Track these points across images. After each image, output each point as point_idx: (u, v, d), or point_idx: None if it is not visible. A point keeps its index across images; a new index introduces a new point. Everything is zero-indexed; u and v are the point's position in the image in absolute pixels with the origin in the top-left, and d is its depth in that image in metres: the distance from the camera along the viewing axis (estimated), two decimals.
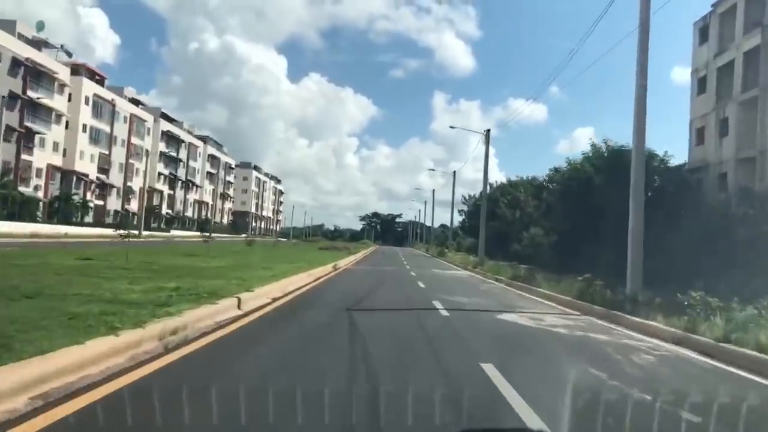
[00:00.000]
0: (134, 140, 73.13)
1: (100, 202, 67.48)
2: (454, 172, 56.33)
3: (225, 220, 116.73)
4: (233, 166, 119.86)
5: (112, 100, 67.25)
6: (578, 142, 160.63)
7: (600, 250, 31.03)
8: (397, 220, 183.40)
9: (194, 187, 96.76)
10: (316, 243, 73.26)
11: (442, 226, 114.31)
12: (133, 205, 75.44)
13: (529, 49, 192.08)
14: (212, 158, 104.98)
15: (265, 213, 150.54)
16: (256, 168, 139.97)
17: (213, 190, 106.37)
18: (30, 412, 3.80)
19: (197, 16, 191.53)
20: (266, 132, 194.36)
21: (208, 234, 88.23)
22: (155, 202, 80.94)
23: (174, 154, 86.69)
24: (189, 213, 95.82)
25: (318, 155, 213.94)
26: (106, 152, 67.32)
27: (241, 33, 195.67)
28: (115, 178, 70.16)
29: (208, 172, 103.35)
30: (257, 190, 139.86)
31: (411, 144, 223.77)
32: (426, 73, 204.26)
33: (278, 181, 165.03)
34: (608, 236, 30.63)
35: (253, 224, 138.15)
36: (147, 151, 78.00)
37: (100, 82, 66.14)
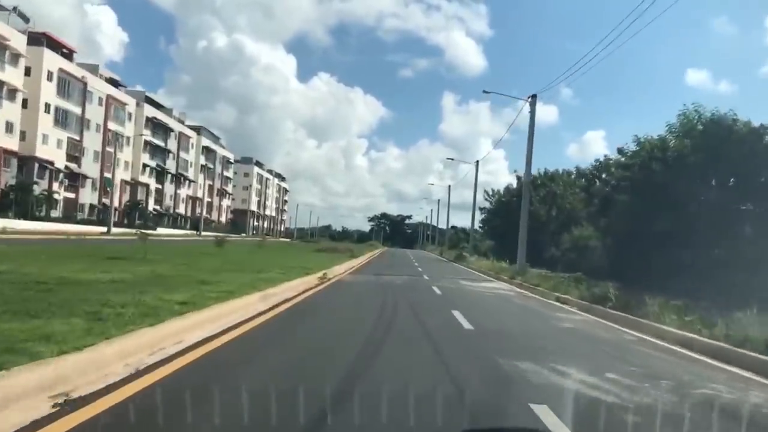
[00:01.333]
0: (112, 126, 64.81)
1: (71, 195, 59.17)
2: (477, 162, 47.46)
3: (224, 219, 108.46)
4: (232, 160, 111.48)
5: (83, 77, 58.93)
6: (588, 146, 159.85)
7: (695, 258, 22.23)
8: (407, 221, 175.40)
9: (186, 182, 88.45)
10: (316, 244, 64.60)
11: (454, 228, 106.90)
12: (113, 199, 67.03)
13: (541, 49, 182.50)
14: (207, 151, 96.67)
15: (268, 212, 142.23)
16: (258, 164, 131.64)
17: (209, 185, 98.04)
18: None
19: (204, 14, 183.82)
20: (275, 132, 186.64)
21: (197, 232, 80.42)
22: (140, 196, 72.67)
23: (161, 143, 78.39)
24: (181, 209, 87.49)
25: (327, 156, 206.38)
26: (77, 138, 59.03)
27: (248, 31, 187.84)
28: (90, 167, 61.85)
29: (202, 166, 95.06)
30: (260, 187, 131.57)
31: (421, 145, 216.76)
32: (436, 73, 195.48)
33: (283, 179, 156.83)
34: (707, 239, 21.67)
35: (255, 223, 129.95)
36: (129, 139, 69.84)
37: (68, 56, 57.83)
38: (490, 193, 53.04)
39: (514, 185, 50.62)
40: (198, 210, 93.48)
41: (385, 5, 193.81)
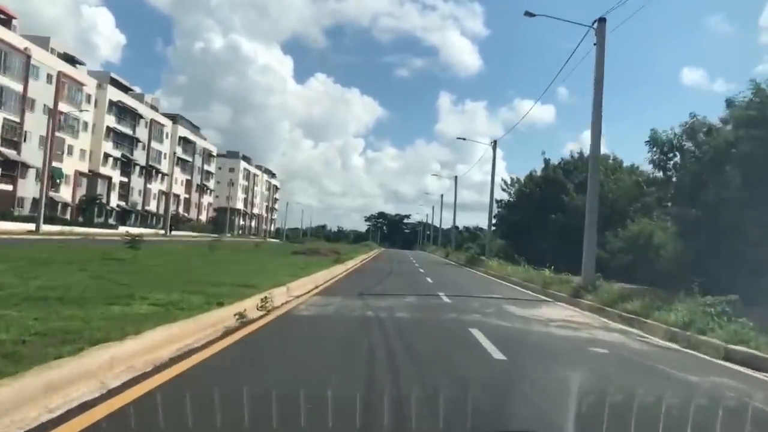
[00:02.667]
0: (65, 107, 55.51)
1: (7, 187, 49.89)
2: (494, 141, 38.37)
3: (204, 216, 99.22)
4: (214, 153, 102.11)
5: (26, 49, 49.75)
6: (586, 145, 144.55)
7: None
8: (405, 221, 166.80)
9: (159, 175, 79.14)
10: (300, 245, 55.46)
11: (456, 228, 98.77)
12: (64, 193, 57.90)
13: (536, 48, 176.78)
14: (185, 142, 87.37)
15: (256, 210, 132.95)
16: (245, 158, 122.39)
17: (186, 180, 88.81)
18: None
19: (200, 14, 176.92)
20: (271, 132, 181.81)
21: (164, 232, 71.30)
22: (100, 190, 63.38)
23: (128, 131, 69.15)
24: (152, 206, 78.21)
25: (323, 156, 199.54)
26: (16, 119, 49.81)
27: (243, 31, 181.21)
28: (33, 155, 52.56)
29: (179, 159, 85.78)
30: (246, 183, 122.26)
31: (417, 145, 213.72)
32: (431, 73, 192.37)
33: (273, 175, 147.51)
34: None
35: (241, 222, 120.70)
36: (87, 124, 60.62)
37: (6, 23, 48.65)
38: (510, 182, 43.95)
39: (538, 172, 41.69)
40: (176, 207, 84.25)
41: (380, 4, 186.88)
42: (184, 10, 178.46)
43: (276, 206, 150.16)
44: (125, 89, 69.80)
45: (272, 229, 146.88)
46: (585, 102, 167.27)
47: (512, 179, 43.58)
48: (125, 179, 69.95)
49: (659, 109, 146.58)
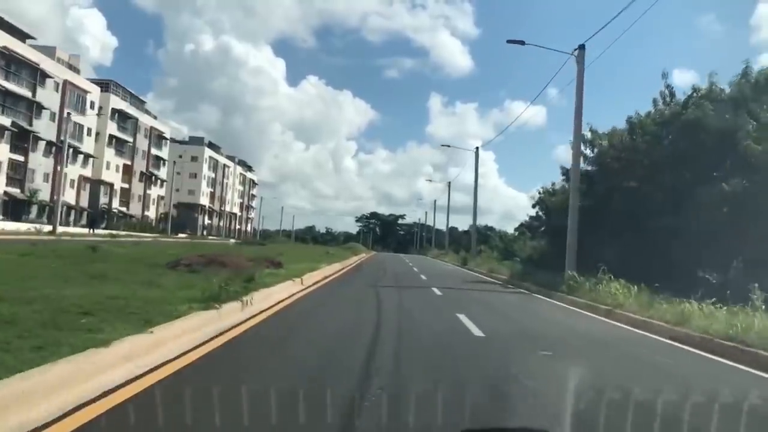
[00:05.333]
0: None
1: None
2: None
3: (154, 213, 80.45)
4: (166, 135, 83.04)
5: None
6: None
7: None
8: (400, 221, 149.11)
9: (80, 156, 60.27)
10: (262, 248, 37.02)
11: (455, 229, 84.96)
12: None
13: (527, 49, 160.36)
14: (123, 117, 68.58)
15: (227, 208, 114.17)
16: (212, 146, 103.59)
17: (124, 165, 70.04)
18: None
19: (185, 14, 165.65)
20: (263, 134, 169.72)
21: (91, 230, 52.70)
22: None
23: (24, 92, 50.44)
24: (70, 196, 59.20)
25: (315, 158, 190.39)
26: None
27: (231, 30, 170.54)
28: None
29: (114, 138, 67.07)
30: (214, 175, 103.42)
31: (409, 147, 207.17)
32: (421, 74, 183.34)
33: (249, 168, 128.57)
34: None
35: (207, 221, 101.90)
36: None
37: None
38: (591, 139, 24.85)
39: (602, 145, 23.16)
40: (104, 198, 65.52)
41: (368, 4, 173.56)
42: (171, 10, 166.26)
43: (252, 203, 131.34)
44: (23, 35, 51.16)
45: (247, 229, 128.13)
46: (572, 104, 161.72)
47: (594, 133, 24.66)
48: (20, 158, 51.13)
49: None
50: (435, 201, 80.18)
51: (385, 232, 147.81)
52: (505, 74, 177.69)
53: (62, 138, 50.23)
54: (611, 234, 19.76)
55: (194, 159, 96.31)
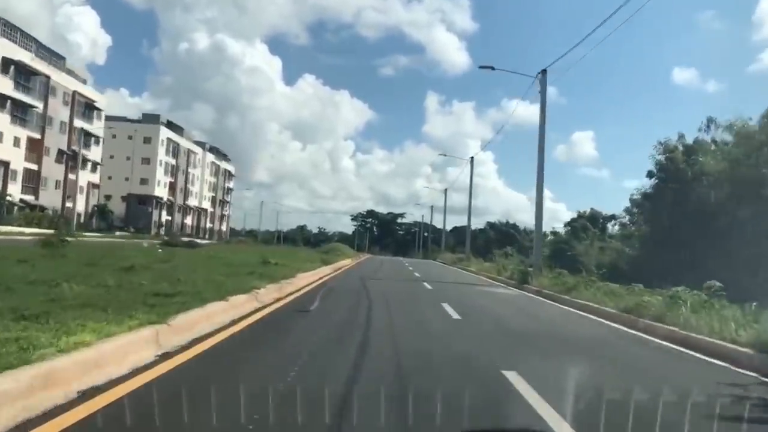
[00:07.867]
0: None
1: None
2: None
3: (83, 204, 62.23)
4: (98, 105, 64.22)
5: None
6: (576, 146, 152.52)
7: None
8: (399, 220, 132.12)
9: None
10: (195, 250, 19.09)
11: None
12: None
13: (525, 45, 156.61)
14: (28, 75, 50.56)
15: (195, 202, 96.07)
16: (171, 126, 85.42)
17: (32, 140, 52.00)
18: None
19: (177, 10, 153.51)
20: (259, 134, 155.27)
21: None
22: None
23: None
24: None
25: (312, 159, 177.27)
26: None
27: (221, 26, 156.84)
28: None
29: (10, 98, 49.14)
30: (175, 162, 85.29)
31: (407, 147, 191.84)
32: (418, 71, 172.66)
33: (224, 157, 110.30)
34: None
35: (165, 217, 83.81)
36: None
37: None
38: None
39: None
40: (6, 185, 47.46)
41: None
42: (163, 8, 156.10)
43: (228, 198, 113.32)
44: None
45: (223, 228, 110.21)
46: (574, 102, 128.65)
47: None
48: None
49: (652, 110, 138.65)
50: (446, 190, 62.51)
51: (383, 232, 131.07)
52: (502, 72, 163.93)
53: None
54: None
55: (147, 141, 78.45)
